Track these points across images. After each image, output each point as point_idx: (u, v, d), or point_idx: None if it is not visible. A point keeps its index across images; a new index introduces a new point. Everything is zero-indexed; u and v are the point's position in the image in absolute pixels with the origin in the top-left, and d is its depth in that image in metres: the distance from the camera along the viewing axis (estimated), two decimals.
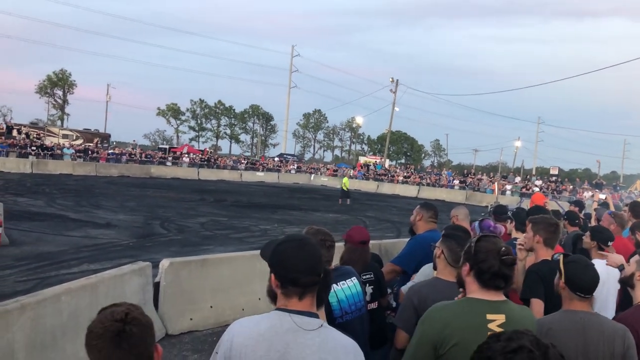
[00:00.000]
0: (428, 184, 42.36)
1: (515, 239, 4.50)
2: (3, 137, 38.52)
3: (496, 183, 37.76)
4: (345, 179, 28.48)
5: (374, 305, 3.43)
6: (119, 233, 12.37)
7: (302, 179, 46.19)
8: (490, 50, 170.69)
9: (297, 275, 1.73)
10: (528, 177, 47.32)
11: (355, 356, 1.79)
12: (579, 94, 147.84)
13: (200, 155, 47.73)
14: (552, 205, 21.99)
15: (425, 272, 3.42)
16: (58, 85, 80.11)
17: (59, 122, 73.84)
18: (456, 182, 42.78)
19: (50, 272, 8.21)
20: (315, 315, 1.78)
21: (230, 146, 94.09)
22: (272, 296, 1.84)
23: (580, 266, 2.47)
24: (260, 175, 43.34)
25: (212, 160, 46.54)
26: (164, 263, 6.07)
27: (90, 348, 1.43)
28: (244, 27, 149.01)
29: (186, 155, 45.70)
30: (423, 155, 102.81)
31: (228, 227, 14.81)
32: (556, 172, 47.28)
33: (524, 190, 37.18)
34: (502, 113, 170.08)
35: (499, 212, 6.21)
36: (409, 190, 39.25)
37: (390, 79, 55.85)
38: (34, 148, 36.00)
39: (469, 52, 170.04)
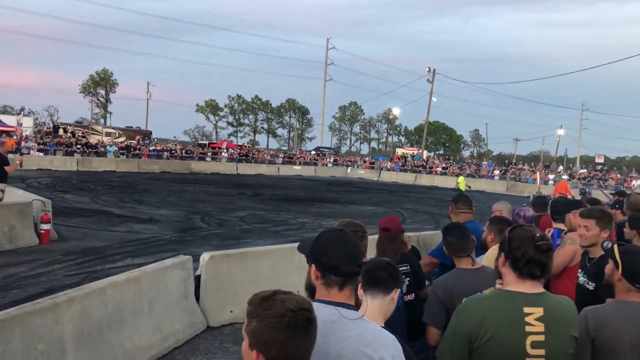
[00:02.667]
0: (468, 175, 41.69)
1: (558, 229, 4.41)
2: (50, 136, 39.99)
3: (538, 173, 36.85)
4: (461, 179, 25.35)
5: (410, 297, 3.42)
6: (161, 228, 12.68)
7: (339, 172, 46.18)
8: (531, 36, 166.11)
9: (339, 264, 1.76)
10: (571, 166, 45.91)
11: (395, 349, 1.79)
12: (625, 78, 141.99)
13: (238, 150, 48.38)
14: (598, 195, 21.34)
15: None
16: (101, 85, 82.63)
17: (102, 121, 76.16)
18: (496, 172, 41.93)
19: (96, 266, 8.49)
20: (354, 308, 1.79)
21: (268, 140, 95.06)
22: (311, 290, 1.86)
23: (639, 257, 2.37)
24: (297, 169, 43.58)
25: (250, 155, 47.09)
26: (205, 256, 6.19)
27: (275, 335, 1.35)
28: (279, 22, 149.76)
29: (225, 151, 46.38)
30: (462, 145, 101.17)
31: (266, 221, 14.97)
32: (602, 161, 45.76)
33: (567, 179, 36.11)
34: (543, 101, 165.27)
35: (539, 203, 6.10)
36: (448, 181, 38.71)
37: (427, 69, 55.16)
38: (79, 146, 37.24)
39: (509, 39, 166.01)
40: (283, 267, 6.83)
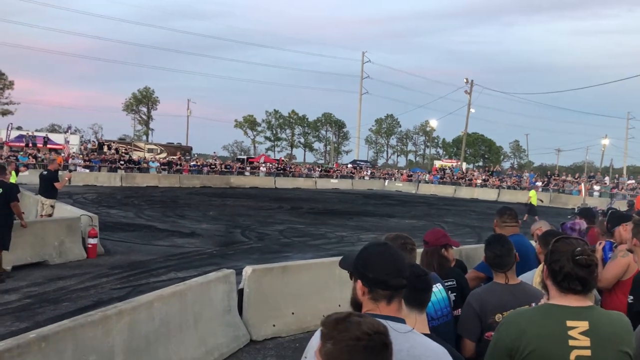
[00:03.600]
0: (509, 187, 40.77)
1: (610, 242, 4.27)
2: (95, 153, 41.33)
3: (583, 184, 35.74)
4: (532, 192, 24.12)
5: (457, 313, 3.36)
6: (203, 242, 12.89)
7: (376, 185, 45.98)
8: (571, 44, 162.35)
9: (387, 278, 1.76)
10: (617, 176, 44.33)
11: None
12: None
13: (276, 165, 48.83)
14: (621, 205, 20.46)
15: (527, 277, 3.36)
16: (142, 103, 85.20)
17: (144, 137, 78.29)
18: (539, 184, 40.86)
19: (142, 279, 8.69)
20: (403, 321, 1.78)
21: (305, 154, 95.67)
22: (356, 306, 1.85)
23: None
24: (334, 182, 43.62)
25: (288, 169, 47.45)
26: (247, 270, 6.25)
27: (351, 358, 1.33)
28: (314, 37, 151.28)
29: (263, 165, 46.90)
30: (502, 157, 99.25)
31: (305, 235, 15.02)
32: None
33: (614, 190, 34.89)
34: (586, 110, 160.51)
35: (585, 215, 5.94)
36: (488, 194, 37.98)
37: (465, 80, 54.57)
38: (122, 162, 38.34)
39: (549, 48, 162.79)
40: (324, 281, 6.83)
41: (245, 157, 59.58)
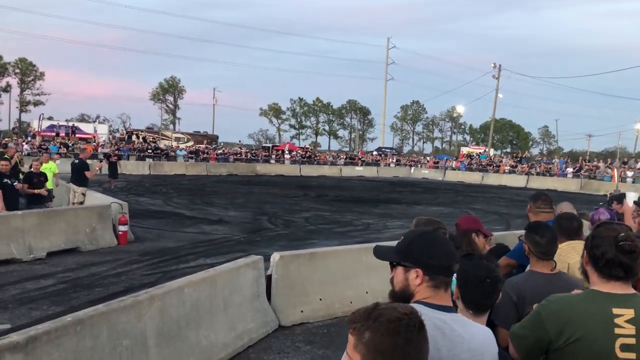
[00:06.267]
0: (538, 173, 40.01)
1: None
2: (124, 142, 42.05)
3: (615, 170, 34.84)
4: None
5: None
6: (230, 229, 13.02)
7: (402, 172, 45.66)
8: (603, 27, 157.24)
9: (451, 263, 1.74)
10: None
11: (495, 347, 1.79)
12: None
13: (301, 152, 48.91)
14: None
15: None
16: (169, 92, 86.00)
17: (171, 126, 79.15)
18: (569, 170, 40.01)
19: (171, 266, 8.83)
20: (455, 309, 1.77)
21: (329, 142, 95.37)
22: (399, 298, 1.76)
23: None
24: (359, 170, 43.48)
25: (313, 156, 47.48)
26: (275, 256, 6.28)
27: (395, 339, 1.30)
28: (339, 24, 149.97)
29: (288, 153, 47.03)
30: (530, 143, 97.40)
31: (331, 222, 15.03)
32: None
33: None
34: (618, 94, 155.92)
35: (619, 201, 5.80)
36: (517, 180, 37.36)
37: (493, 65, 53.57)
38: (150, 151, 38.91)
39: (580, 31, 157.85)
40: (351, 268, 6.83)
41: (270, 145, 59.84)
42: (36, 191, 10.54)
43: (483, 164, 46.12)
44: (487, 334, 1.78)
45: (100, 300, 5.66)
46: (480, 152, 54.73)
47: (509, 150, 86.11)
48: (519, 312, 2.75)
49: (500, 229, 13.84)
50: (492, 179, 39.09)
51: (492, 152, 57.88)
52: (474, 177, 40.63)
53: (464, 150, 60.66)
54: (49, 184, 11.44)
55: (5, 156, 13.21)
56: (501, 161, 47.56)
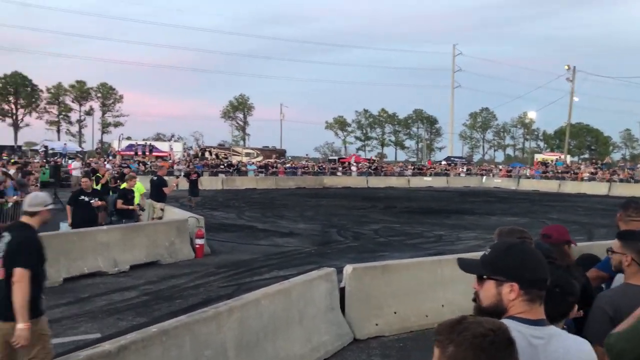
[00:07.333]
0: (621, 180, 37.65)
1: None
2: (198, 159, 43.70)
3: None
4: None
5: (579, 314, 3.13)
6: (301, 241, 13.16)
7: (473, 182, 44.38)
8: None
9: (545, 275, 1.68)
10: None
11: (592, 357, 1.71)
12: None
13: (368, 164, 48.78)
14: None
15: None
16: (239, 109, 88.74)
17: (241, 142, 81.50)
18: None
19: (246, 278, 9.04)
20: (548, 322, 1.70)
21: (396, 153, 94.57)
22: (487, 313, 1.68)
23: None
24: (428, 180, 42.71)
25: (380, 167, 47.22)
26: (348, 269, 6.28)
27: (479, 356, 1.27)
28: (402, 33, 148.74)
29: (355, 165, 47.04)
30: (611, 147, 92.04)
31: (401, 234, 14.84)
32: None
33: None
34: None
35: None
36: (597, 188, 35.29)
37: (566, 67, 51.16)
38: (222, 167, 40.17)
39: None
40: (426, 281, 6.70)
41: (336, 157, 60.11)
42: (131, 207, 11.29)
43: (559, 171, 44.01)
44: (583, 346, 1.70)
45: (181, 312, 5.87)
46: (555, 159, 52.32)
47: (587, 156, 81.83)
48: (615, 327, 2.58)
49: (582, 240, 13.11)
50: (570, 187, 37.17)
51: (568, 158, 55.21)
52: (550, 186, 38.81)
53: (538, 157, 58.31)
54: (136, 201, 12.12)
55: (97, 174, 14.16)
56: (579, 168, 45.23)
